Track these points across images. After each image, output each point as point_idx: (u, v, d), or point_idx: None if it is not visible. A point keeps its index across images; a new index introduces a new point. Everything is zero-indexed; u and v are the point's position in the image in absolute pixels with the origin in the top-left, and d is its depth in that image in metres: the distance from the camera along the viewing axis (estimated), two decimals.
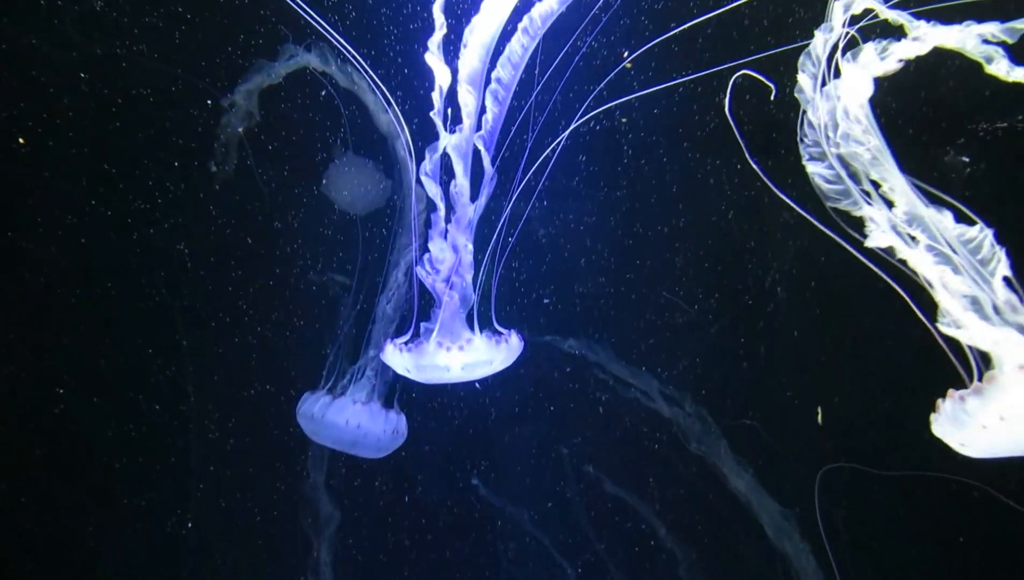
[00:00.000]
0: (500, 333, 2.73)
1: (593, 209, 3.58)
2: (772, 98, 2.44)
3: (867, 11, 2.16)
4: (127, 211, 3.53)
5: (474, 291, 2.72)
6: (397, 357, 2.72)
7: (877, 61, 2.13)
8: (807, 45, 2.22)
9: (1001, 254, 2.05)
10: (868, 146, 2.12)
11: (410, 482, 3.95)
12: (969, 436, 2.08)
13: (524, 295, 3.65)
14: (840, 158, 2.17)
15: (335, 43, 2.94)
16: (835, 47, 2.17)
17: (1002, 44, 2.05)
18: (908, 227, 2.09)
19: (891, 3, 2.15)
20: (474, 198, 2.64)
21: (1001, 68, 2.05)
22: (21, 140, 3.30)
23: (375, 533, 4.01)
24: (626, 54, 3.07)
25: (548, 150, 2.75)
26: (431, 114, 2.53)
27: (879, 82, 2.15)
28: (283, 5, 2.65)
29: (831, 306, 3.57)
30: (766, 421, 3.69)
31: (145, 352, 3.73)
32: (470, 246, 2.72)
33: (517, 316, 3.61)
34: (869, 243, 2.12)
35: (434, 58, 2.44)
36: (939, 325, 2.09)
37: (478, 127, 2.53)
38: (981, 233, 2.06)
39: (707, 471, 3.75)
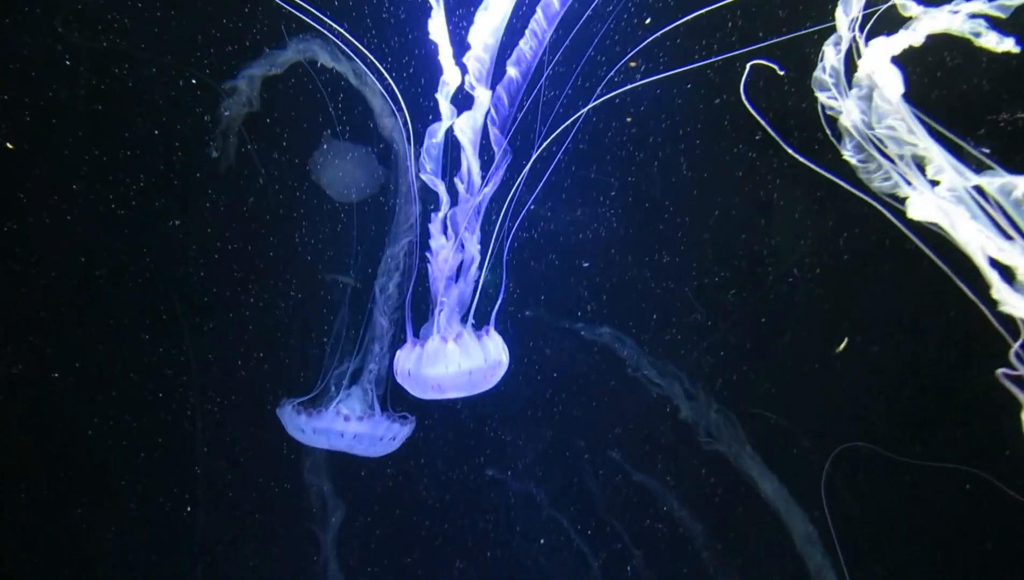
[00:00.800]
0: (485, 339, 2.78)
1: (612, 199, 3.54)
2: (785, 86, 2.42)
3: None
4: (126, 202, 3.49)
5: (480, 279, 2.69)
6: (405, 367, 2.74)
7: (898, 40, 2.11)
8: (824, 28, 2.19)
9: None
10: (903, 125, 2.09)
11: (417, 474, 3.93)
12: None
13: (543, 284, 3.65)
14: (871, 140, 2.14)
15: (332, 35, 2.91)
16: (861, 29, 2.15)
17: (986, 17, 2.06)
18: (954, 203, 2.03)
19: None
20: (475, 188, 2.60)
21: (991, 40, 2.06)
22: (9, 145, 3.27)
23: (384, 526, 4.01)
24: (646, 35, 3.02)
25: (569, 125, 2.71)
26: (438, 95, 2.48)
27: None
28: None
29: (849, 297, 3.53)
30: (783, 414, 3.68)
31: (145, 346, 3.69)
32: (475, 238, 2.68)
33: (532, 303, 3.62)
34: (911, 214, 2.08)
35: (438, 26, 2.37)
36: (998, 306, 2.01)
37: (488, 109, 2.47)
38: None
39: (726, 465, 3.74)
